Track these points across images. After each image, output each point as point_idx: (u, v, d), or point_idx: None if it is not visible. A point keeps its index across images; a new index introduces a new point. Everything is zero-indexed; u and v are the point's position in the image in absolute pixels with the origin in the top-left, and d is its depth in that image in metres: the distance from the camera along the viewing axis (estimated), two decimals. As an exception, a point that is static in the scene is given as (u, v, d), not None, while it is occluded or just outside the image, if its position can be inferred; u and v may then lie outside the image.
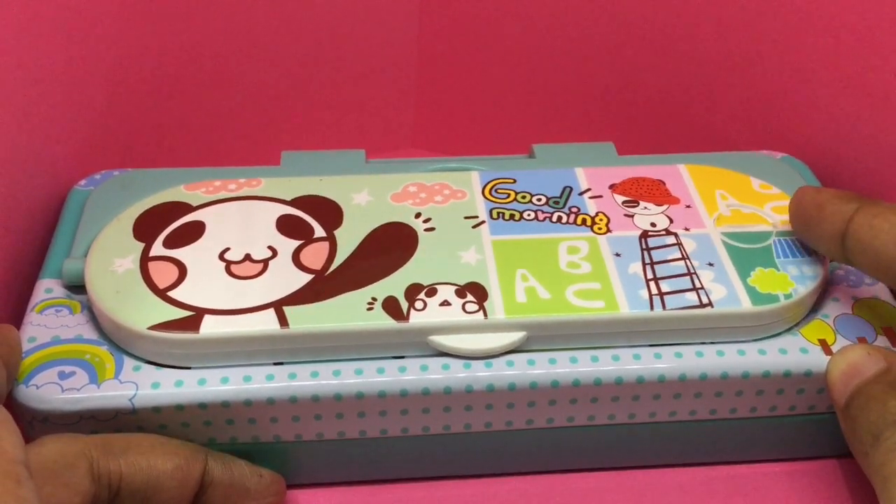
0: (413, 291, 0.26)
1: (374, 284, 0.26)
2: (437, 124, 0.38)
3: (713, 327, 0.26)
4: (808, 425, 0.27)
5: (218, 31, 0.37)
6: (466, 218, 0.29)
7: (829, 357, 0.25)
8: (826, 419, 0.27)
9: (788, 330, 0.27)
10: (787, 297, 0.26)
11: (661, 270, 0.27)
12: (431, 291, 0.26)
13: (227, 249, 0.27)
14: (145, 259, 0.27)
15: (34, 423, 0.24)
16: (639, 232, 0.29)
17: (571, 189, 0.30)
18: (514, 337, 0.25)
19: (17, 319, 0.27)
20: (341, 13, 0.39)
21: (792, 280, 0.27)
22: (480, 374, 0.25)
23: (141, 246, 0.27)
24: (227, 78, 0.38)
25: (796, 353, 0.26)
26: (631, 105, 0.39)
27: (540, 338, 0.26)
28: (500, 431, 0.26)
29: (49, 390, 0.24)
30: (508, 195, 0.30)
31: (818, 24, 0.33)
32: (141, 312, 0.25)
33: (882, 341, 0.26)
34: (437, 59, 0.37)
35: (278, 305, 0.25)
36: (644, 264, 0.27)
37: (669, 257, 0.28)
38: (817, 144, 0.35)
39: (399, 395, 0.25)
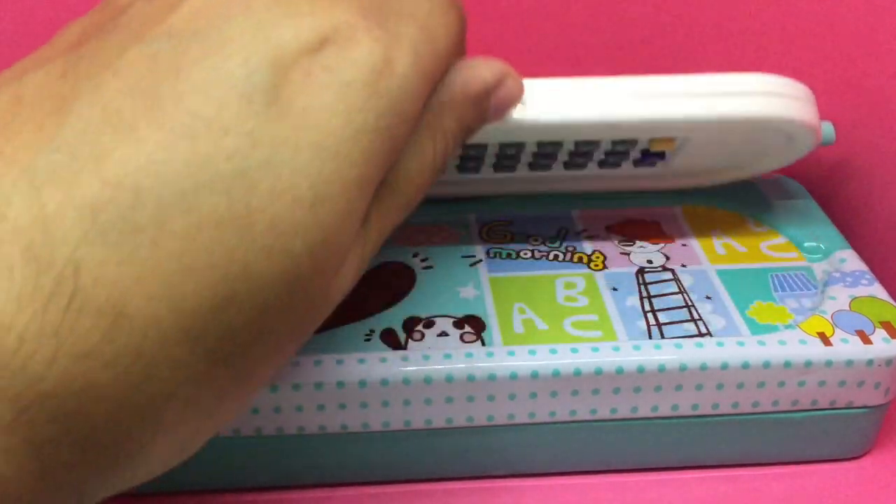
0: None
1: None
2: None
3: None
4: (812, 425, 0.27)
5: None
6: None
7: (828, 348, 0.25)
8: (830, 418, 0.27)
9: (787, 326, 0.26)
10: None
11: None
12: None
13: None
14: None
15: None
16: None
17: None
18: (512, 367, 0.25)
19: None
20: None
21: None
22: (482, 364, 0.25)
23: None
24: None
25: (795, 344, 0.25)
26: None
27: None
28: (503, 426, 0.26)
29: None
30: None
31: (818, 54, 0.34)
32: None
33: (880, 333, 0.26)
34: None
35: (275, 337, 0.25)
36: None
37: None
38: (814, 166, 0.35)
39: (402, 383, 0.24)
